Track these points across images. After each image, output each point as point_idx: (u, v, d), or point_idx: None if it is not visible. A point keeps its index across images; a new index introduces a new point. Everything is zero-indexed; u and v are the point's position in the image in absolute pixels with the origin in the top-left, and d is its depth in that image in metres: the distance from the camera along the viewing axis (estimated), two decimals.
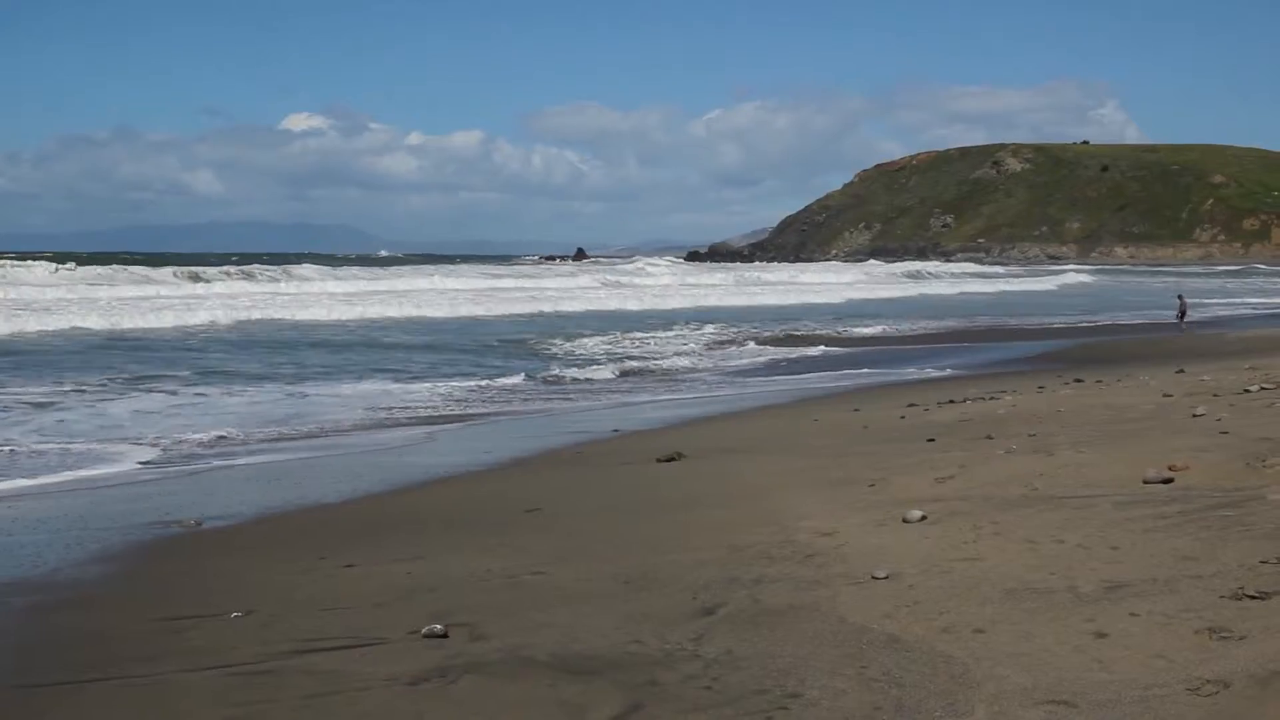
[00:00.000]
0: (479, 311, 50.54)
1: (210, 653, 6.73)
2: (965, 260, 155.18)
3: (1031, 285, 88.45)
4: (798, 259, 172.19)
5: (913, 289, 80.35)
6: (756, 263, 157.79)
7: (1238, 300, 63.88)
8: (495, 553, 8.90)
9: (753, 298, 65.91)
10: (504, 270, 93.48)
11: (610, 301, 58.93)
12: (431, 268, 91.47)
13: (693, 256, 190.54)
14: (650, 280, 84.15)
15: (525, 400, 21.78)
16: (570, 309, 53.72)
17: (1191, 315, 41.23)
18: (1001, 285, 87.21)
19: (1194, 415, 12.87)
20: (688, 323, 44.52)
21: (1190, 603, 6.25)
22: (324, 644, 6.77)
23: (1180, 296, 42.12)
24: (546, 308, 53.25)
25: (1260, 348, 27.09)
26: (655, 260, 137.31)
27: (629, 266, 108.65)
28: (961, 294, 75.50)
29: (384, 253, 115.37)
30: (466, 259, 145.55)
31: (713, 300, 61.72)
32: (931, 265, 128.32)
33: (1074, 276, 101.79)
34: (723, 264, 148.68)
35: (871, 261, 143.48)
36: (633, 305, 57.02)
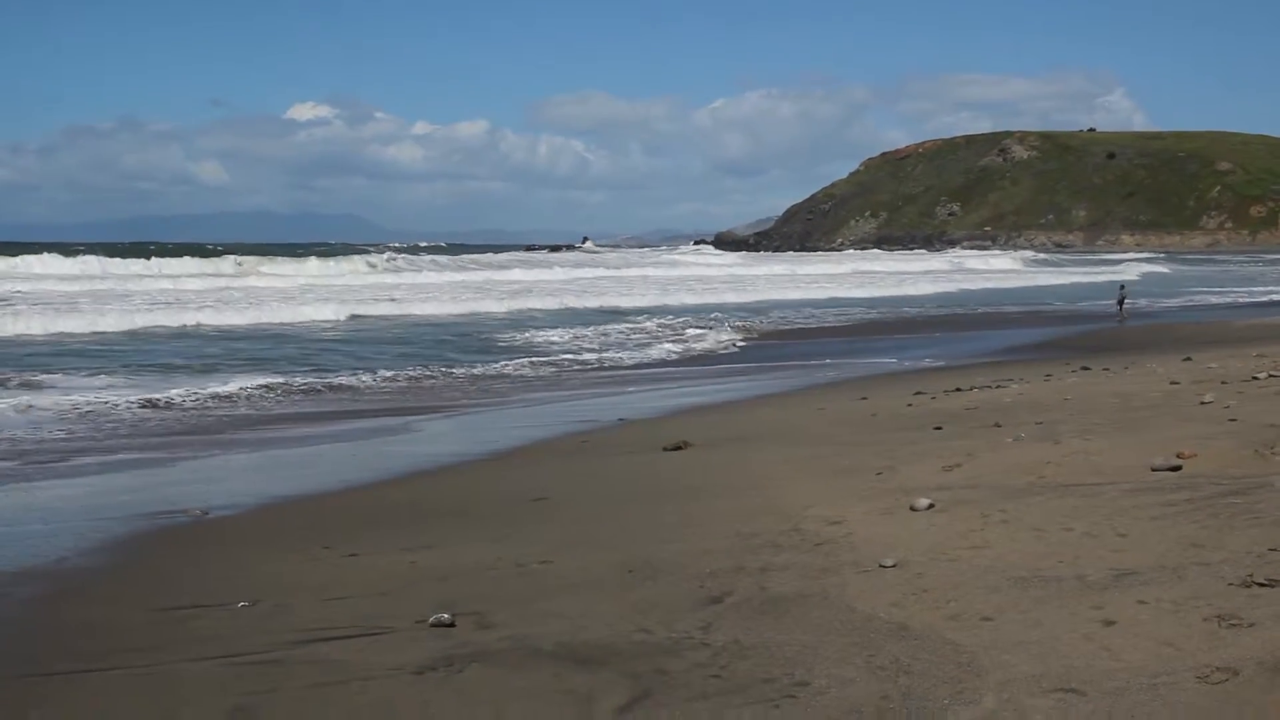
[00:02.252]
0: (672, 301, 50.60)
1: (216, 642, 6.72)
2: (971, 248, 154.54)
3: (1111, 277, 76.90)
4: (803, 248, 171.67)
5: (1015, 280, 75.50)
6: (789, 252, 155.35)
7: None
8: (502, 541, 8.89)
9: (850, 287, 63.43)
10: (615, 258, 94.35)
11: (727, 294, 56.22)
12: (540, 256, 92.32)
13: (720, 244, 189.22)
14: (714, 269, 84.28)
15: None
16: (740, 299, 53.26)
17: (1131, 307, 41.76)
18: (1077, 278, 79.66)
19: (1201, 403, 12.84)
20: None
21: (1199, 590, 6.23)
22: (330, 633, 6.76)
23: (1122, 286, 43.22)
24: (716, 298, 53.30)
25: (1267, 335, 27.01)
26: (692, 248, 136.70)
27: (681, 255, 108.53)
28: (1073, 283, 70.63)
29: (395, 244, 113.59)
30: (504, 248, 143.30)
31: (795, 293, 58.18)
32: (998, 255, 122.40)
33: (1144, 267, 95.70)
34: (763, 253, 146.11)
35: (919, 252, 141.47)
36: (746, 297, 54.39)
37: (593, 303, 48.81)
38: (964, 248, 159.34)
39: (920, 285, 67.21)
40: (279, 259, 76.68)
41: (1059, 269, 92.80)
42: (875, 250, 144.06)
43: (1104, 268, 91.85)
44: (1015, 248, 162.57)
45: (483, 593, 7.42)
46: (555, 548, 8.55)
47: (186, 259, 72.27)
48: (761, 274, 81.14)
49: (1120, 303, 40.37)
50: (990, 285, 68.79)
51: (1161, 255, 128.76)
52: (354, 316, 39.97)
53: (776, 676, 5.62)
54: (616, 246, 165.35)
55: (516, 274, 71.96)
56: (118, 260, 69.30)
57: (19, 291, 48.77)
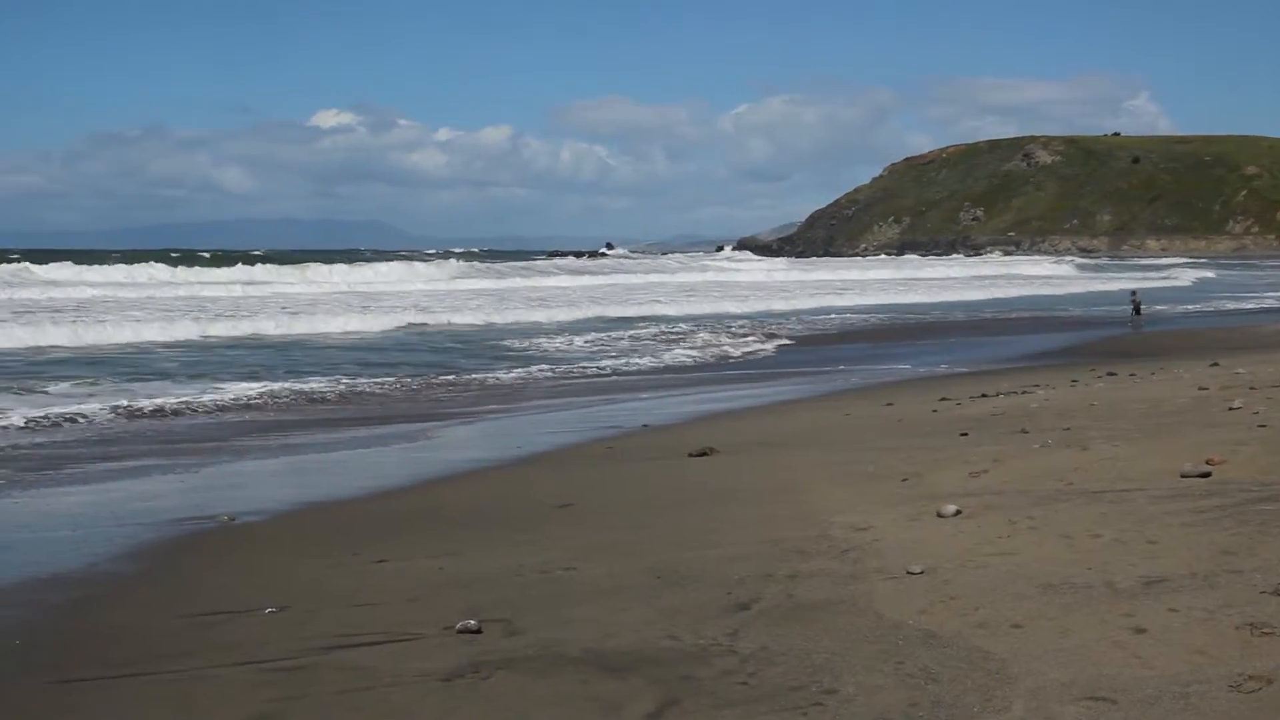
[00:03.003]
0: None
1: (243, 648, 6.75)
2: (994, 252, 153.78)
3: (1159, 283, 75.64)
4: (826, 253, 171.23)
5: (1072, 286, 74.15)
6: (814, 257, 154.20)
7: None
8: (528, 548, 8.89)
9: (900, 292, 62.62)
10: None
11: (776, 300, 54.89)
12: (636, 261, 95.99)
13: (743, 249, 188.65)
14: (764, 275, 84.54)
15: None
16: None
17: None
18: (1136, 283, 75.89)
19: (1230, 408, 12.76)
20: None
21: (1230, 598, 6.18)
22: (357, 640, 6.78)
23: (1134, 292, 43.04)
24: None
25: None
26: (730, 255, 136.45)
27: (728, 262, 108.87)
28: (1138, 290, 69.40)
29: (430, 250, 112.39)
30: (528, 255, 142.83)
31: (839, 299, 56.58)
32: (1045, 261, 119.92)
33: (1193, 272, 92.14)
34: (809, 259, 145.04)
35: (997, 253, 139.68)
36: (798, 303, 53.44)
37: (641, 310, 47.62)
38: (989, 253, 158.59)
39: (969, 291, 65.94)
40: (359, 264, 77.96)
41: (1111, 275, 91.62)
42: (910, 256, 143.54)
43: (1153, 273, 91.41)
44: (1039, 253, 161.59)
45: (509, 599, 7.43)
46: (582, 554, 8.54)
47: (270, 266, 73.52)
48: (810, 279, 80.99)
49: (1136, 309, 40.33)
50: (1051, 291, 67.55)
51: (1203, 260, 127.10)
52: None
53: (804, 684, 5.60)
54: (639, 253, 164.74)
55: (561, 280, 72.89)
56: (195, 268, 71.07)
57: (108, 298, 49.04)
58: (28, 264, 67.88)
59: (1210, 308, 47.77)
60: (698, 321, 41.69)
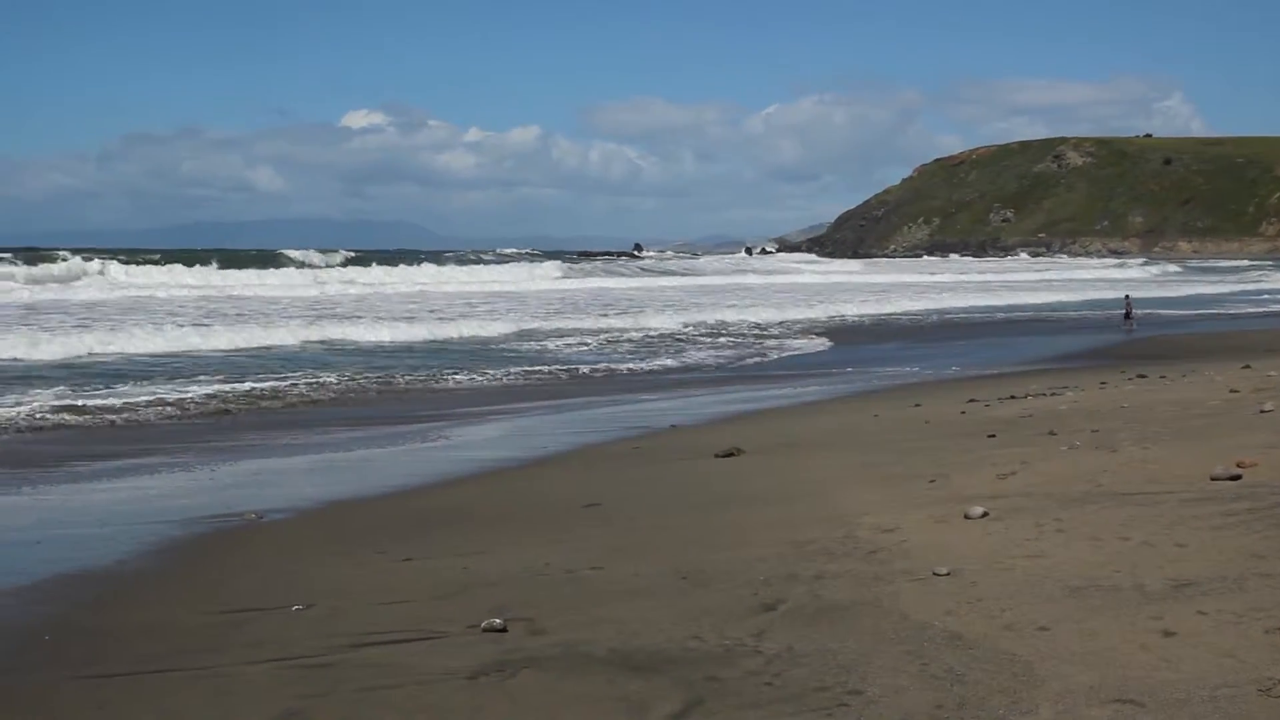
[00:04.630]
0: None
1: (271, 645, 6.79)
2: (1023, 254, 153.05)
3: (1250, 286, 75.68)
4: (855, 254, 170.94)
5: (1172, 289, 73.02)
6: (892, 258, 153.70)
7: None
8: (554, 547, 8.90)
9: (981, 295, 62.33)
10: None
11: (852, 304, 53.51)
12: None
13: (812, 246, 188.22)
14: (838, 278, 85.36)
15: None
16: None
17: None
18: (1228, 287, 76.13)
19: (1262, 411, 12.64)
20: None
21: (1260, 601, 6.14)
22: (383, 637, 6.80)
23: (1127, 297, 43.07)
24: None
25: None
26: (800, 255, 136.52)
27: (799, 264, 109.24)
28: (1231, 292, 67.92)
29: (510, 250, 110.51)
30: (556, 255, 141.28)
31: (917, 303, 54.83)
32: (1131, 266, 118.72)
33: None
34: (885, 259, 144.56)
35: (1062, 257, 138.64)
36: (884, 307, 52.01)
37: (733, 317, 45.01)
38: (1018, 255, 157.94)
39: (1067, 292, 64.86)
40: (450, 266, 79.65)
41: (1198, 278, 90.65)
42: (963, 258, 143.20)
43: (1233, 275, 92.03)
44: (1070, 254, 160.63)
45: (535, 598, 7.44)
46: (607, 554, 8.55)
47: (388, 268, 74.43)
48: (885, 282, 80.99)
49: (1128, 314, 40.32)
50: (1162, 293, 66.22)
51: (1268, 263, 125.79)
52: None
53: (829, 685, 5.59)
54: (666, 253, 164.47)
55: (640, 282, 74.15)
56: (336, 269, 72.95)
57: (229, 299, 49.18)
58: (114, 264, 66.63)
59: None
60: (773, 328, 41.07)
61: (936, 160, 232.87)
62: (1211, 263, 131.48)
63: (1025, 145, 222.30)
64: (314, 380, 23.18)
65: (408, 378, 24.27)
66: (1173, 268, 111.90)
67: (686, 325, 39.90)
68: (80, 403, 19.23)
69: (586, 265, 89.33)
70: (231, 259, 74.09)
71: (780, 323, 42.29)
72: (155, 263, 69.69)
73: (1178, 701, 5.06)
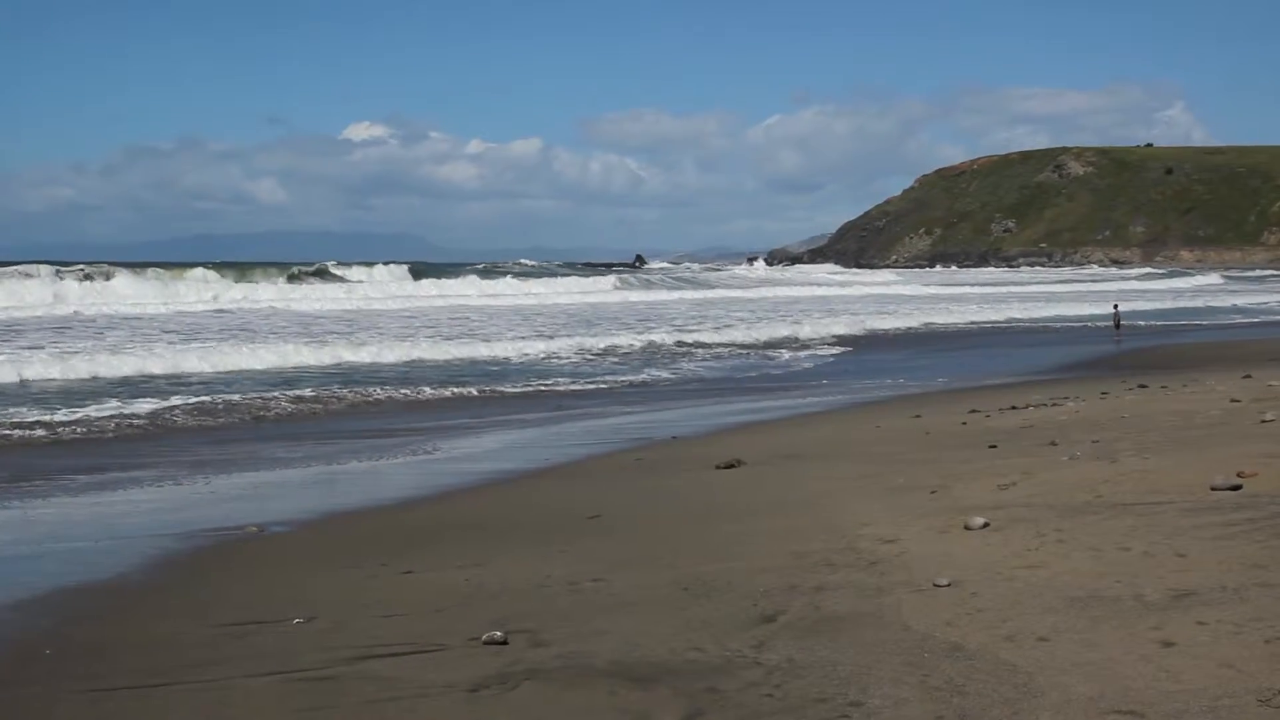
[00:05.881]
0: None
1: (272, 658, 6.79)
2: (1026, 265, 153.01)
3: None
4: (858, 265, 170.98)
5: (1256, 295, 72.84)
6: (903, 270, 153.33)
7: None
8: (555, 559, 8.91)
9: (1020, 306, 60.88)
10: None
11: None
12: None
13: (773, 261, 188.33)
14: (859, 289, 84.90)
15: None
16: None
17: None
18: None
19: (1263, 421, 12.66)
20: None
21: (1260, 612, 6.14)
22: (384, 650, 6.81)
23: (1115, 306, 43.32)
24: None
25: None
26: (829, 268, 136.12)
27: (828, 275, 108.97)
28: None
29: (530, 262, 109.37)
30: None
31: (955, 316, 52.33)
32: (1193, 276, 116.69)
33: None
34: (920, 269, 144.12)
35: (1097, 267, 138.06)
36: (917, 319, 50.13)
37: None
38: (1017, 265, 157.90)
39: (1134, 303, 62.10)
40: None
41: (1270, 287, 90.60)
42: (962, 268, 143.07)
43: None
44: (1072, 264, 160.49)
45: (536, 610, 7.45)
46: (608, 565, 8.56)
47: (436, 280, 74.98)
48: (918, 293, 79.83)
49: (1117, 323, 40.44)
50: (1211, 303, 65.63)
51: None
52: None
53: (830, 696, 5.60)
54: (669, 264, 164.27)
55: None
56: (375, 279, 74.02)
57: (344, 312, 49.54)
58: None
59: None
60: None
61: (938, 171, 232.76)
62: (1241, 272, 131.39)
63: (1026, 155, 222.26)
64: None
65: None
66: (1215, 278, 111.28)
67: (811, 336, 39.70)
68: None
69: (631, 278, 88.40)
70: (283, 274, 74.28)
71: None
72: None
73: (1177, 712, 5.07)
